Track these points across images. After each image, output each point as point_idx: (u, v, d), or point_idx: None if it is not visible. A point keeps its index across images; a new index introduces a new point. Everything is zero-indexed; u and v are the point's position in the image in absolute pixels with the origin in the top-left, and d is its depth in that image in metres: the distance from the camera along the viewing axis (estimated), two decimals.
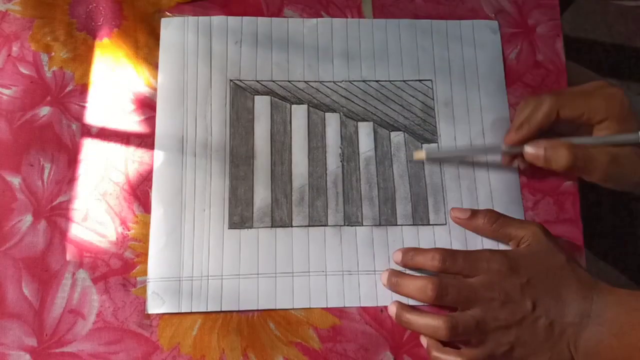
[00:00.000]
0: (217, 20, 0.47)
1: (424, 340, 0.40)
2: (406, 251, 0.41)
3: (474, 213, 0.42)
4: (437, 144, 0.45)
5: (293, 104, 0.45)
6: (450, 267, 0.39)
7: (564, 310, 0.37)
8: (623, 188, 0.42)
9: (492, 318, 0.37)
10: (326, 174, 0.44)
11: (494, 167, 0.45)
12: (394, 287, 0.41)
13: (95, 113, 0.44)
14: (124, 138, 0.44)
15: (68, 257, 0.41)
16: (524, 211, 0.44)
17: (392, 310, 0.40)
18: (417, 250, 0.41)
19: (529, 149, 0.41)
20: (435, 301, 0.38)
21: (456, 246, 0.43)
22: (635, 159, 0.40)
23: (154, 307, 0.40)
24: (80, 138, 0.44)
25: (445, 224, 0.43)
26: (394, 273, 0.41)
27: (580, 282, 0.38)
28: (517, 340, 0.37)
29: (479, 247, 0.43)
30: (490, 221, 0.42)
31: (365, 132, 0.45)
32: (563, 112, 0.40)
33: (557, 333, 0.37)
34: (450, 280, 0.38)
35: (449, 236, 0.43)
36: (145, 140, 0.44)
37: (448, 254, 0.39)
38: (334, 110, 0.46)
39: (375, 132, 0.45)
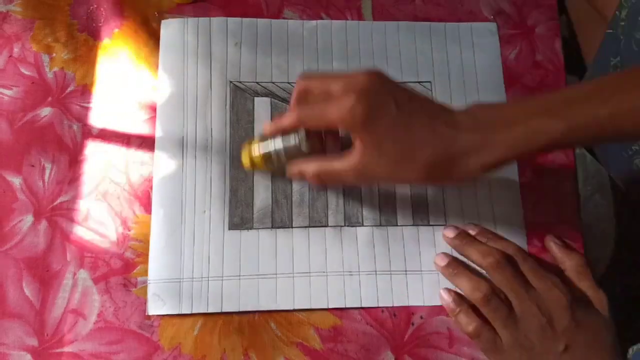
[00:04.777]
0: (217, 21, 0.47)
1: (445, 296, 0.41)
2: (483, 228, 0.42)
3: (568, 250, 0.42)
4: None
5: None
6: (519, 261, 0.40)
7: None
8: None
9: (524, 331, 0.37)
10: None
11: None
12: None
13: (96, 114, 0.44)
14: (124, 139, 0.44)
15: (69, 257, 0.41)
16: (523, 212, 0.44)
17: (443, 260, 0.41)
18: (493, 234, 0.42)
19: (289, 171, 0.40)
20: (493, 266, 0.39)
21: None
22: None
23: (155, 308, 0.40)
24: (81, 139, 0.44)
25: (445, 224, 0.44)
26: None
27: None
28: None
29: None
30: (577, 266, 0.41)
31: None
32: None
33: None
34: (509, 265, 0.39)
35: None
36: (145, 141, 0.44)
37: (522, 251, 0.40)
38: None
39: None
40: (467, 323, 0.39)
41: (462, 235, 0.42)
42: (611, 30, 0.45)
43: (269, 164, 0.40)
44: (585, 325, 0.38)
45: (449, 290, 0.41)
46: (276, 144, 0.39)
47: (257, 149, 0.40)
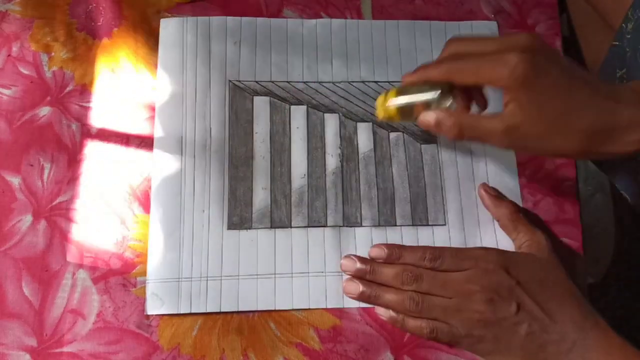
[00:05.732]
0: (216, 20, 0.47)
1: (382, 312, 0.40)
2: (391, 247, 0.40)
3: (499, 199, 0.42)
4: (436, 144, 0.45)
5: (292, 104, 0.46)
6: (439, 266, 0.38)
7: (550, 327, 0.36)
8: (547, 155, 0.41)
9: (471, 310, 0.37)
10: (325, 174, 0.44)
11: (493, 167, 0.45)
12: (367, 274, 0.39)
13: (95, 113, 0.44)
14: (123, 138, 0.44)
15: (68, 257, 0.41)
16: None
17: (354, 288, 0.39)
18: (402, 248, 0.40)
19: (422, 117, 0.38)
20: (412, 287, 0.38)
21: (455, 246, 0.43)
22: (539, 129, 0.35)
23: (153, 308, 0.40)
24: (80, 138, 0.44)
25: (445, 224, 0.43)
26: (364, 261, 0.40)
27: (579, 308, 0.37)
28: (493, 337, 0.37)
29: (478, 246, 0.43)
30: (510, 214, 0.41)
31: (364, 133, 0.45)
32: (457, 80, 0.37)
33: (535, 345, 0.36)
34: (427, 271, 0.38)
35: (448, 236, 0.43)
36: (144, 141, 0.44)
37: (437, 255, 0.39)
38: (333, 111, 0.46)
39: (374, 132, 0.45)
40: (418, 326, 0.38)
41: (363, 264, 0.40)
42: (617, 43, 0.45)
43: (405, 116, 0.39)
44: (526, 276, 0.37)
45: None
46: (417, 96, 0.38)
47: (395, 100, 0.39)
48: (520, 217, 0.41)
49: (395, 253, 0.40)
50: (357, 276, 0.40)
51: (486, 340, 0.37)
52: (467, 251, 0.40)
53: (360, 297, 0.39)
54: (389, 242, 0.43)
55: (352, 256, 0.40)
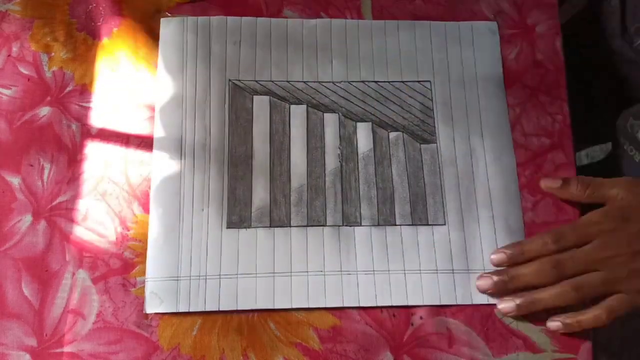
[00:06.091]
0: (217, 20, 0.47)
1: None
2: (510, 247, 0.41)
3: (566, 181, 0.42)
4: (435, 144, 0.45)
5: (292, 104, 0.46)
6: (565, 244, 0.39)
7: None
8: None
9: (621, 272, 0.37)
10: (325, 174, 0.44)
11: (493, 167, 0.45)
12: (507, 283, 0.40)
13: (95, 113, 0.44)
14: (123, 138, 0.44)
15: (68, 257, 0.41)
16: (523, 212, 0.44)
17: (510, 306, 0.40)
18: (521, 243, 0.41)
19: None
20: (557, 278, 0.38)
21: (455, 246, 0.43)
22: None
23: (152, 306, 0.40)
24: (80, 138, 0.44)
25: (445, 224, 0.43)
26: (498, 272, 0.40)
27: None
28: None
29: (479, 248, 0.43)
30: (583, 187, 0.41)
31: (364, 133, 0.45)
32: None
33: None
34: (564, 255, 0.38)
35: (448, 236, 0.43)
36: (144, 141, 0.44)
37: (558, 234, 0.39)
38: (332, 111, 0.46)
39: (374, 132, 0.45)
40: (595, 316, 0.38)
41: (500, 273, 0.40)
42: None
43: None
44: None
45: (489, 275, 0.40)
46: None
47: None
48: (595, 183, 0.41)
49: (517, 251, 0.40)
50: (499, 291, 0.40)
51: None
52: (582, 220, 0.40)
53: (518, 311, 0.39)
54: (388, 242, 0.43)
55: (484, 274, 0.41)
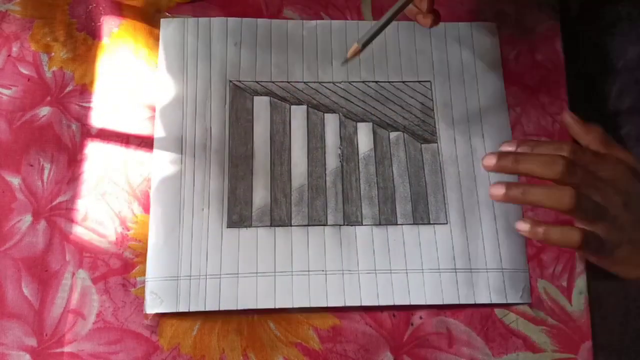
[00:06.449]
0: (217, 21, 0.47)
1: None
2: (524, 142, 0.37)
3: (586, 126, 0.39)
4: (436, 144, 0.45)
5: (292, 104, 0.46)
6: (580, 158, 0.36)
7: None
8: None
9: (613, 209, 0.35)
10: (325, 174, 0.44)
11: None
12: (511, 162, 0.35)
13: (95, 113, 0.44)
14: (123, 138, 0.44)
15: (68, 257, 0.41)
16: (523, 212, 0.44)
17: (498, 189, 0.35)
18: (536, 141, 0.37)
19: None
20: (562, 177, 0.34)
21: (457, 245, 0.43)
22: None
23: (152, 306, 0.40)
24: (80, 138, 0.44)
25: (446, 223, 0.43)
26: (505, 153, 0.36)
27: None
28: (628, 238, 0.36)
29: (480, 245, 0.43)
30: (601, 136, 0.39)
31: (364, 133, 0.45)
32: None
33: None
34: (578, 164, 0.35)
35: (450, 235, 0.43)
36: (144, 141, 0.44)
37: (577, 146, 0.36)
38: (333, 111, 0.46)
39: (374, 132, 0.45)
40: (567, 234, 0.35)
41: (506, 154, 0.36)
42: None
43: None
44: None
45: (523, 219, 0.37)
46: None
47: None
48: (610, 138, 0.39)
49: (530, 144, 0.37)
50: (501, 170, 0.36)
51: (625, 244, 0.36)
52: (605, 154, 0.38)
53: (506, 197, 0.35)
54: (389, 241, 0.43)
55: (490, 153, 0.37)
